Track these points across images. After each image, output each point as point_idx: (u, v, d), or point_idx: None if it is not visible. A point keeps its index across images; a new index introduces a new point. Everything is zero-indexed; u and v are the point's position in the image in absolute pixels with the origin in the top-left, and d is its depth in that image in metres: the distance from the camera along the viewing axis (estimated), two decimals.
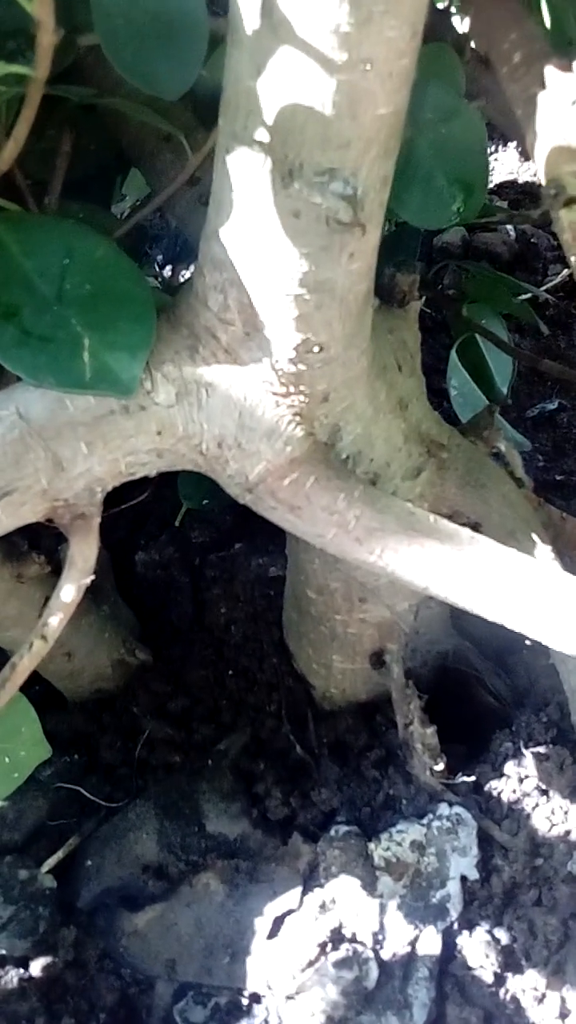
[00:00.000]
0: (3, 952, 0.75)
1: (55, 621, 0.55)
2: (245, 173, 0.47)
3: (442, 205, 0.68)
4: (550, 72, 0.45)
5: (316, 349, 0.53)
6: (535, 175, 1.47)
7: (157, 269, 1.19)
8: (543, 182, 0.46)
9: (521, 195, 1.44)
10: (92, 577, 0.55)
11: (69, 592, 0.54)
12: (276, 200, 0.46)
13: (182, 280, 0.99)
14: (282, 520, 0.59)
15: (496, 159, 1.49)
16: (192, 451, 0.56)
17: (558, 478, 1.12)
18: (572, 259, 0.48)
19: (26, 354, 0.52)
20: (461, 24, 0.84)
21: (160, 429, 0.55)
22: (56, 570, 0.79)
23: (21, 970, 0.75)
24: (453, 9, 0.85)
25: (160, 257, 1.25)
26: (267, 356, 0.53)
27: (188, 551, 0.99)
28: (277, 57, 0.42)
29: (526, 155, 1.46)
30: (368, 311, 0.56)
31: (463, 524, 0.59)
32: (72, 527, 0.54)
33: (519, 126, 0.49)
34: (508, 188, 1.44)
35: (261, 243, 0.48)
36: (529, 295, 1.15)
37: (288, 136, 0.44)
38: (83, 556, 0.54)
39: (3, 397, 0.53)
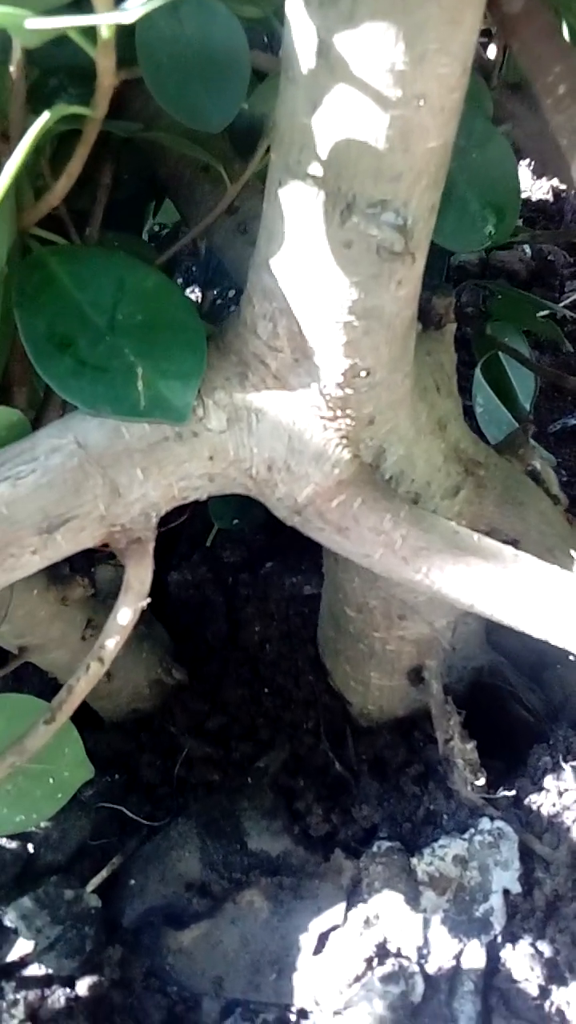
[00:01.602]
0: (50, 972, 0.76)
1: (112, 644, 0.56)
2: (297, 205, 0.48)
3: (475, 229, 0.69)
4: None
5: (363, 374, 0.54)
6: (548, 192, 1.49)
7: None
8: None
9: (535, 212, 1.45)
10: (148, 600, 0.56)
11: (126, 615, 0.55)
12: (328, 231, 0.47)
13: (211, 304, 1.01)
14: (330, 541, 0.60)
15: None
16: (242, 475, 0.58)
17: None
18: None
19: (83, 384, 0.53)
20: (487, 51, 0.86)
21: (212, 454, 0.56)
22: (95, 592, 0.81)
23: (68, 989, 0.76)
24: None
25: (182, 280, 1.26)
26: (315, 381, 0.54)
27: (220, 570, 1.00)
28: (332, 94, 0.43)
29: (539, 173, 1.47)
30: (412, 335, 0.58)
31: (502, 541, 0.60)
32: (128, 551, 0.56)
33: (564, 154, 0.50)
34: (523, 205, 1.46)
35: (311, 272, 0.50)
36: (548, 312, 1.16)
37: (342, 169, 0.45)
38: (139, 579, 0.56)
39: (61, 426, 0.54)
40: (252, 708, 0.91)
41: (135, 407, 0.53)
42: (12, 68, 0.55)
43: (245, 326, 0.55)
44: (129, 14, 0.33)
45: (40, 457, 0.53)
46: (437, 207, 0.50)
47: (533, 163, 1.44)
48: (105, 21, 0.34)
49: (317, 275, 0.50)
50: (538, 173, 1.46)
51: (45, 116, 0.47)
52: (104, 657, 0.56)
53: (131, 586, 0.55)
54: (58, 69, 0.65)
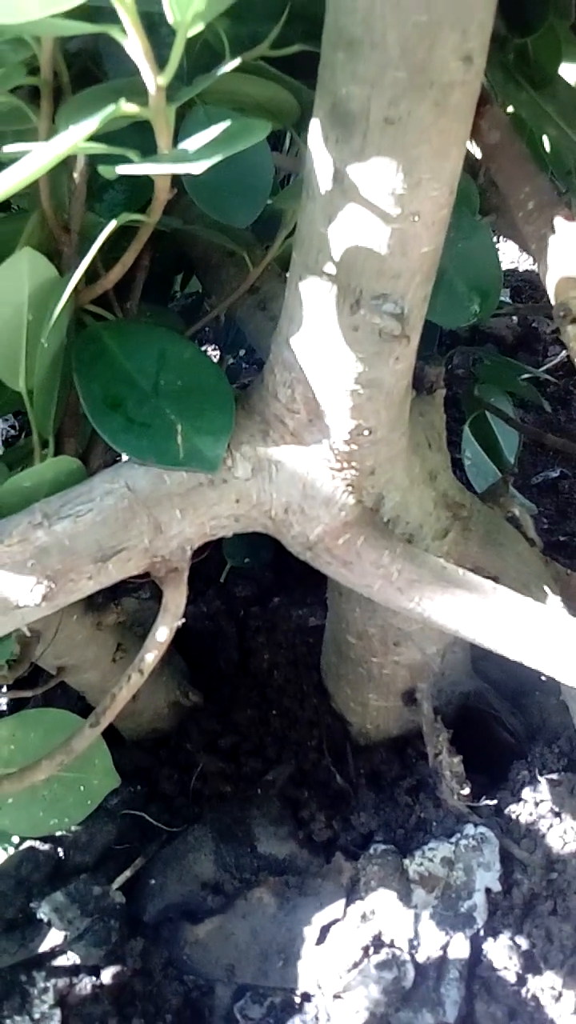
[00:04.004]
0: (78, 961, 0.85)
1: (151, 657, 0.66)
2: (314, 296, 0.58)
3: (463, 308, 0.80)
4: (558, 220, 0.57)
5: (366, 432, 0.65)
6: (533, 264, 1.62)
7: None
8: (553, 304, 0.59)
9: (522, 282, 1.58)
10: (183, 620, 0.66)
11: (163, 633, 0.65)
12: (340, 318, 0.58)
13: (227, 365, 1.12)
14: (336, 573, 0.71)
15: (500, 249, 1.63)
16: (263, 516, 0.68)
17: (561, 539, 1.23)
18: None
19: (131, 438, 0.63)
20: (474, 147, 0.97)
21: (238, 498, 0.66)
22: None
23: (94, 978, 0.84)
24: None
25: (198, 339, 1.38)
26: (326, 438, 0.65)
27: (233, 604, 1.10)
28: (345, 211, 0.54)
29: (524, 248, 1.60)
30: (408, 400, 0.68)
31: (484, 577, 0.70)
32: (166, 579, 0.66)
33: (533, 257, 0.62)
34: (510, 276, 1.58)
35: (325, 349, 0.60)
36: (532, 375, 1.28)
37: (351, 269, 0.56)
38: (175, 603, 0.66)
39: (113, 473, 0.64)
40: (261, 728, 1.00)
41: (175, 458, 0.63)
42: (76, 175, 0.66)
43: (267, 391, 0.66)
44: (197, 165, 0.44)
45: (96, 498, 0.63)
46: (429, 297, 0.61)
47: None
48: (178, 171, 0.44)
49: (329, 352, 0.60)
50: (523, 248, 1.58)
51: (112, 224, 0.58)
52: (144, 669, 0.66)
53: (168, 608, 0.65)
54: None
